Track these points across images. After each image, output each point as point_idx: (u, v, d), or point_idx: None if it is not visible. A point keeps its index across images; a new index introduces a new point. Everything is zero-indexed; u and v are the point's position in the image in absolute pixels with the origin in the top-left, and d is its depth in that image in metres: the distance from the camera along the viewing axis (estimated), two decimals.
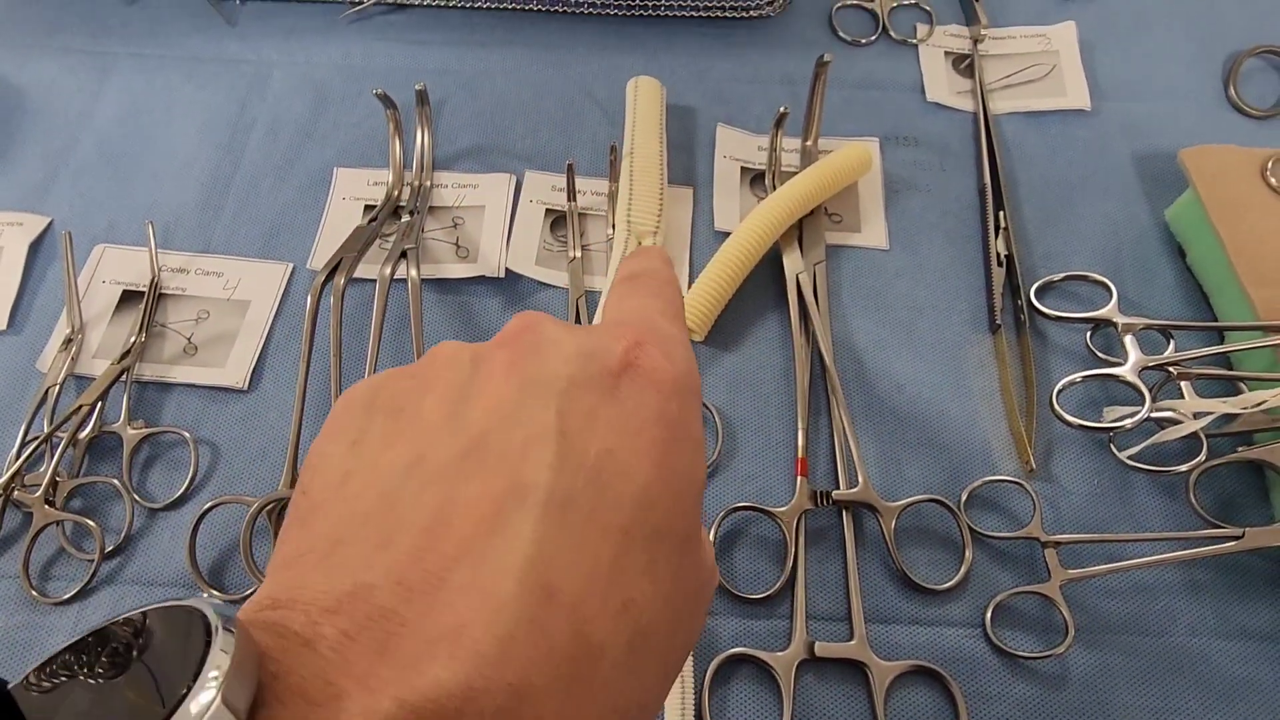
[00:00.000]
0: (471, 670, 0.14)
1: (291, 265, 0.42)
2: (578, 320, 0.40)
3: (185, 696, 0.12)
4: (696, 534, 0.19)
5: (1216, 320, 0.41)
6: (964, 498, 0.36)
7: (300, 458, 0.35)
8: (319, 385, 0.37)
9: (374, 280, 0.38)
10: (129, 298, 0.41)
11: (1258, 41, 0.50)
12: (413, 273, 0.37)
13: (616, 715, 0.16)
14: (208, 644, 0.13)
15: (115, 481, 0.36)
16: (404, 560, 0.15)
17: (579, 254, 0.42)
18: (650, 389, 0.18)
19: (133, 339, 0.39)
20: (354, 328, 0.39)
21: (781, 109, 0.44)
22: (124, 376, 0.38)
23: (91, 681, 0.13)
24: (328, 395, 0.36)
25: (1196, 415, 0.35)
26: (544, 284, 0.42)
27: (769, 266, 0.42)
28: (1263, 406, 0.35)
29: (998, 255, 0.43)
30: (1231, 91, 0.49)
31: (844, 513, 0.36)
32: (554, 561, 0.15)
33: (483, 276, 0.42)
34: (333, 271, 0.37)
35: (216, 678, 0.12)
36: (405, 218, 0.41)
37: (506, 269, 0.42)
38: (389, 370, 0.20)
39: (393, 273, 0.36)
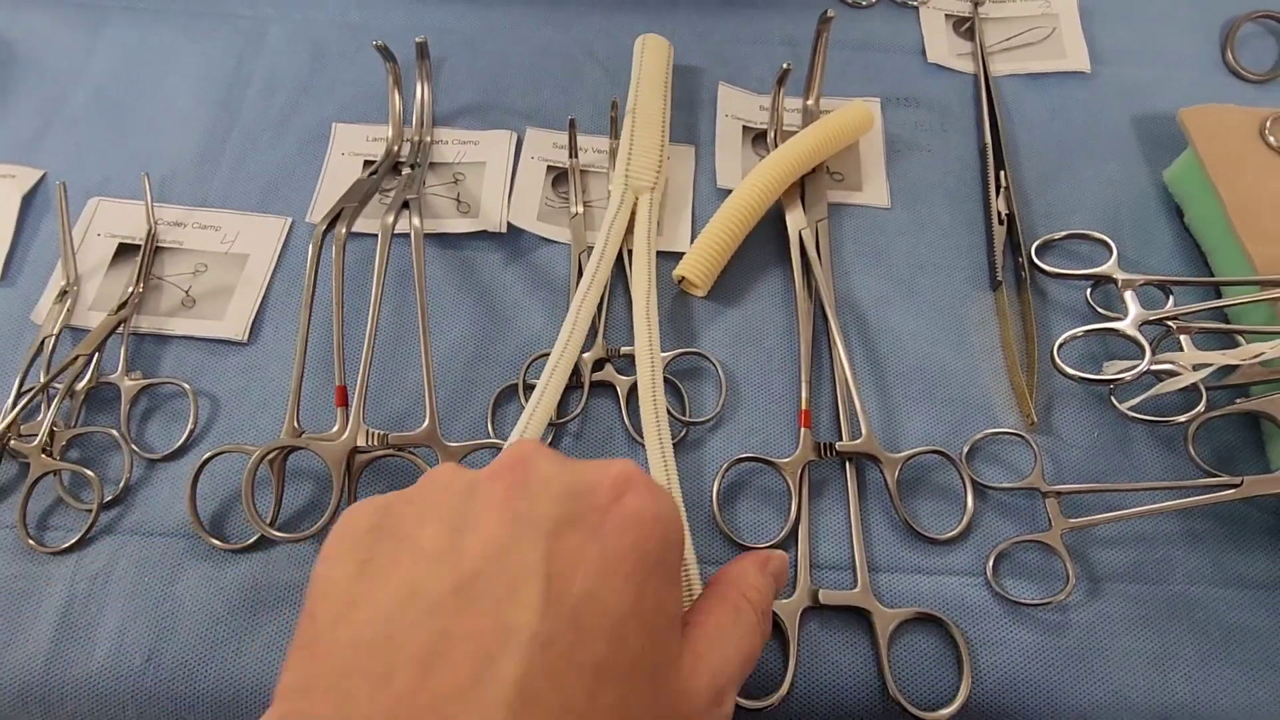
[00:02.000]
0: None
1: (290, 219, 0.42)
2: (579, 273, 0.40)
3: None
4: (673, 663, 0.21)
5: (1215, 277, 0.41)
6: (966, 450, 0.37)
7: (302, 408, 0.35)
8: (320, 336, 0.37)
9: (373, 235, 0.38)
10: (125, 251, 0.41)
11: (1254, 7, 0.50)
12: (415, 222, 0.36)
13: None
14: None
15: (114, 432, 0.35)
16: (403, 698, 0.17)
17: (581, 210, 0.42)
18: (632, 527, 0.20)
19: (130, 290, 0.39)
20: (355, 281, 0.38)
21: (784, 66, 0.44)
22: (121, 328, 0.38)
23: None
24: (329, 346, 0.35)
25: (1195, 367, 0.36)
26: (546, 239, 0.42)
27: (771, 224, 0.42)
28: (1261, 358, 0.35)
29: (998, 213, 0.43)
30: (1229, 56, 0.49)
31: (847, 464, 0.37)
32: (534, 701, 0.17)
33: (484, 231, 0.41)
34: (333, 222, 0.36)
35: None
36: (405, 172, 0.40)
37: (509, 224, 0.42)
38: (390, 495, 0.21)
39: (394, 222, 0.36)
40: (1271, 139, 0.41)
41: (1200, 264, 0.42)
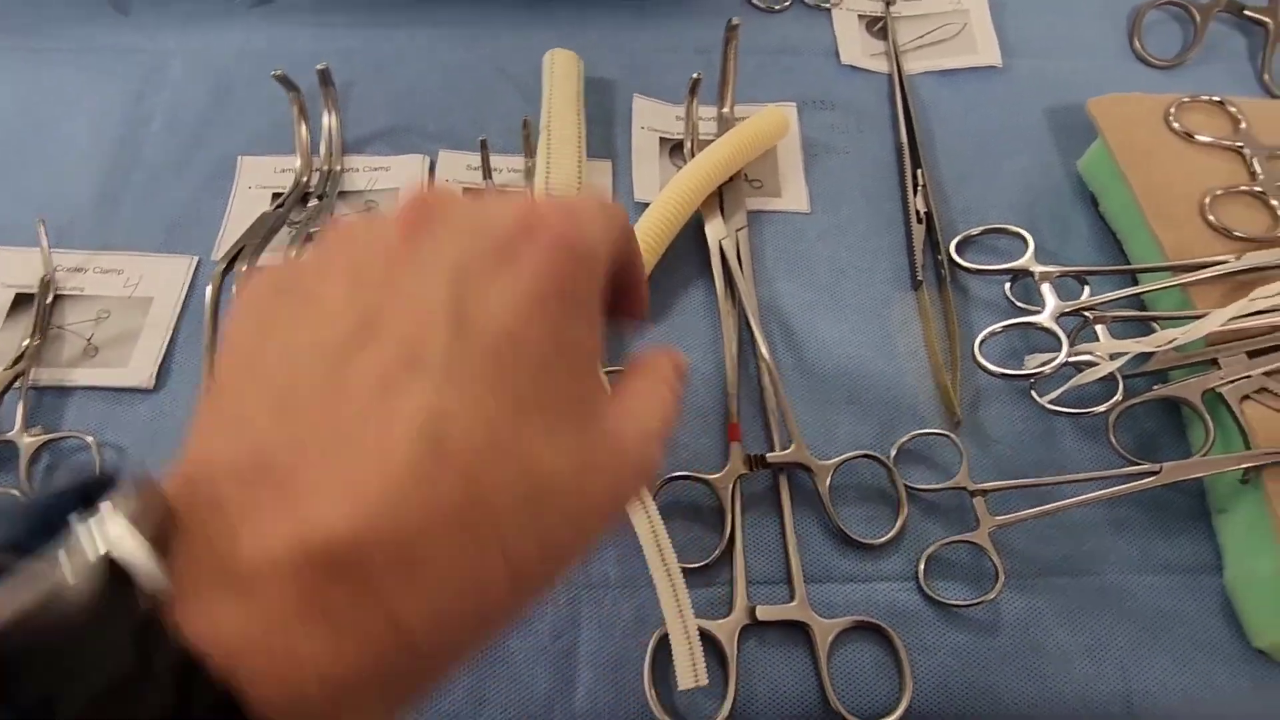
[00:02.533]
0: (362, 523, 0.15)
1: (196, 258, 0.41)
2: None
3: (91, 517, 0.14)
4: (596, 401, 0.20)
5: (1130, 265, 0.42)
6: (894, 453, 0.36)
7: None
8: None
9: None
10: (22, 301, 0.39)
11: None
12: None
13: (511, 564, 0.17)
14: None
15: (14, 492, 0.34)
16: (303, 425, 0.16)
17: None
18: (545, 262, 0.19)
19: (26, 343, 0.37)
20: None
21: (695, 75, 0.43)
22: (18, 382, 0.36)
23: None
24: None
25: (1112, 356, 0.36)
26: None
27: (691, 235, 0.42)
28: (1174, 344, 0.35)
29: (917, 213, 0.43)
30: (1136, 43, 0.50)
31: (779, 475, 0.36)
32: (446, 424, 0.16)
33: None
34: (234, 260, 0.35)
35: (121, 525, 0.14)
36: (313, 203, 0.39)
37: None
38: (291, 260, 0.21)
39: (299, 257, 0.35)
40: (1177, 124, 0.42)
41: (1117, 251, 0.43)
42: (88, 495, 0.14)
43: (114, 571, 0.13)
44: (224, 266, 0.35)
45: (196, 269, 0.40)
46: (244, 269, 0.35)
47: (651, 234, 0.39)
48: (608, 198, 0.43)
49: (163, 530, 0.14)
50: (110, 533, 0.14)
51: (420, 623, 0.15)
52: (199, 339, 0.38)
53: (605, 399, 0.20)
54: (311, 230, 0.36)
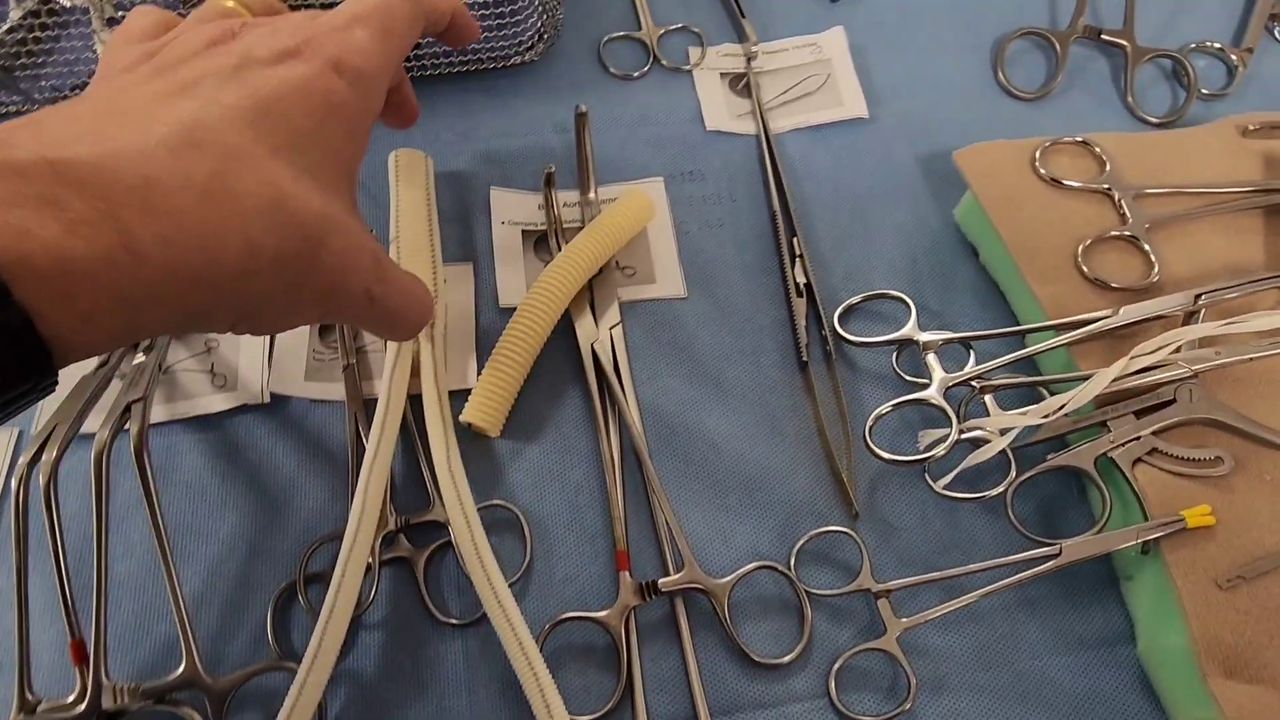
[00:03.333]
0: (108, 158, 0.20)
1: (17, 430, 0.37)
2: (358, 434, 0.36)
3: None
4: (345, 192, 0.26)
5: (1015, 318, 0.41)
6: (793, 558, 0.35)
7: (38, 670, 0.30)
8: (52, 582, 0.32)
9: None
10: None
11: (1014, 24, 0.50)
12: (134, 430, 0.31)
13: (250, 245, 0.22)
14: None
15: None
16: (80, 111, 0.22)
17: (354, 360, 0.38)
18: (310, 69, 0.25)
19: None
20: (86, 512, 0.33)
21: (547, 169, 0.41)
22: None
23: None
24: (56, 598, 0.30)
25: (1003, 431, 0.35)
26: (317, 400, 0.38)
27: (561, 337, 0.39)
28: (1063, 411, 0.34)
29: (796, 285, 0.41)
30: (1001, 77, 0.49)
31: (675, 600, 0.34)
32: (205, 129, 0.22)
33: (245, 405, 0.37)
34: (42, 447, 0.31)
35: None
36: (137, 361, 0.35)
37: (271, 393, 0.37)
38: (135, 46, 0.27)
39: (111, 439, 0.31)
40: (1042, 170, 0.41)
41: (1002, 303, 0.41)
42: None
43: None
44: (29, 458, 0.31)
45: (17, 445, 0.36)
46: (52, 455, 0.31)
47: (516, 350, 0.36)
48: (466, 305, 0.40)
49: None
50: None
51: (154, 247, 0.20)
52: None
53: (352, 196, 0.27)
54: (130, 401, 0.33)
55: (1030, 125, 0.47)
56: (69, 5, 0.42)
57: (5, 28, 0.42)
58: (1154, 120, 0.47)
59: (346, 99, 0.26)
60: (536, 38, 0.46)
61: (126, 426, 0.32)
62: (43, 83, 0.43)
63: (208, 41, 0.26)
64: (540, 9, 0.44)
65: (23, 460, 0.31)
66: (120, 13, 0.42)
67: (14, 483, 0.31)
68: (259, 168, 0.23)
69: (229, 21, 0.27)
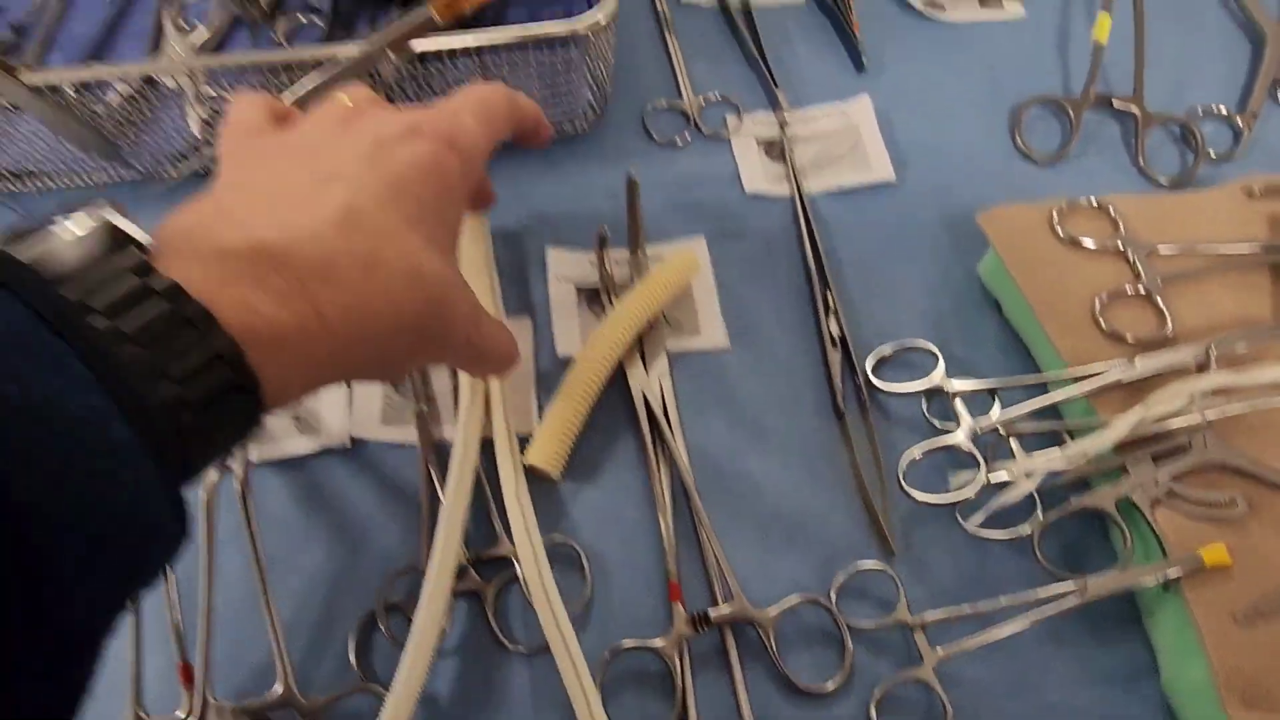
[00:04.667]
0: (296, 242, 0.24)
1: None
2: (429, 476, 0.39)
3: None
4: (452, 246, 0.30)
5: (1037, 367, 0.43)
6: (834, 593, 0.37)
7: (147, 692, 0.33)
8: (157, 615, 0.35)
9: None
10: None
11: (1029, 91, 0.54)
12: (238, 471, 0.35)
13: (394, 306, 0.26)
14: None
15: None
16: (256, 200, 0.25)
17: (425, 406, 0.42)
18: (431, 147, 0.29)
19: None
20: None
21: (600, 231, 0.44)
22: None
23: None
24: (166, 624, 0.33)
25: (1028, 474, 0.37)
26: (392, 444, 0.41)
27: (615, 386, 0.42)
28: (1084, 456, 0.37)
29: (831, 337, 0.44)
30: (1018, 141, 0.53)
31: (724, 630, 0.37)
32: (359, 211, 0.25)
33: (327, 448, 0.41)
34: None
35: (112, 211, 0.21)
36: None
37: (351, 436, 0.41)
38: (266, 137, 0.30)
39: (218, 480, 0.35)
40: (1060, 230, 0.44)
41: (1025, 353, 0.44)
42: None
43: (113, 233, 0.21)
44: None
45: None
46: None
47: (575, 399, 0.40)
48: (523, 349, 0.44)
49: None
50: (106, 215, 0.21)
51: (335, 315, 0.24)
52: None
53: (456, 257, 0.31)
54: None
55: (1047, 187, 0.51)
56: (167, 84, 0.47)
57: (107, 102, 0.47)
58: (1164, 182, 0.51)
59: (457, 174, 0.30)
60: (589, 110, 0.50)
61: (230, 465, 0.36)
62: (143, 153, 0.48)
63: (338, 125, 0.29)
64: (592, 85, 0.49)
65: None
66: (208, 88, 0.47)
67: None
68: (400, 241, 0.26)
69: (349, 107, 0.31)
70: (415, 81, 0.45)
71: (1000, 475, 0.38)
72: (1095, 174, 0.51)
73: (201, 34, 0.52)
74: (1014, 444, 0.39)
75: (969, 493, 0.37)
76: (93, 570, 0.17)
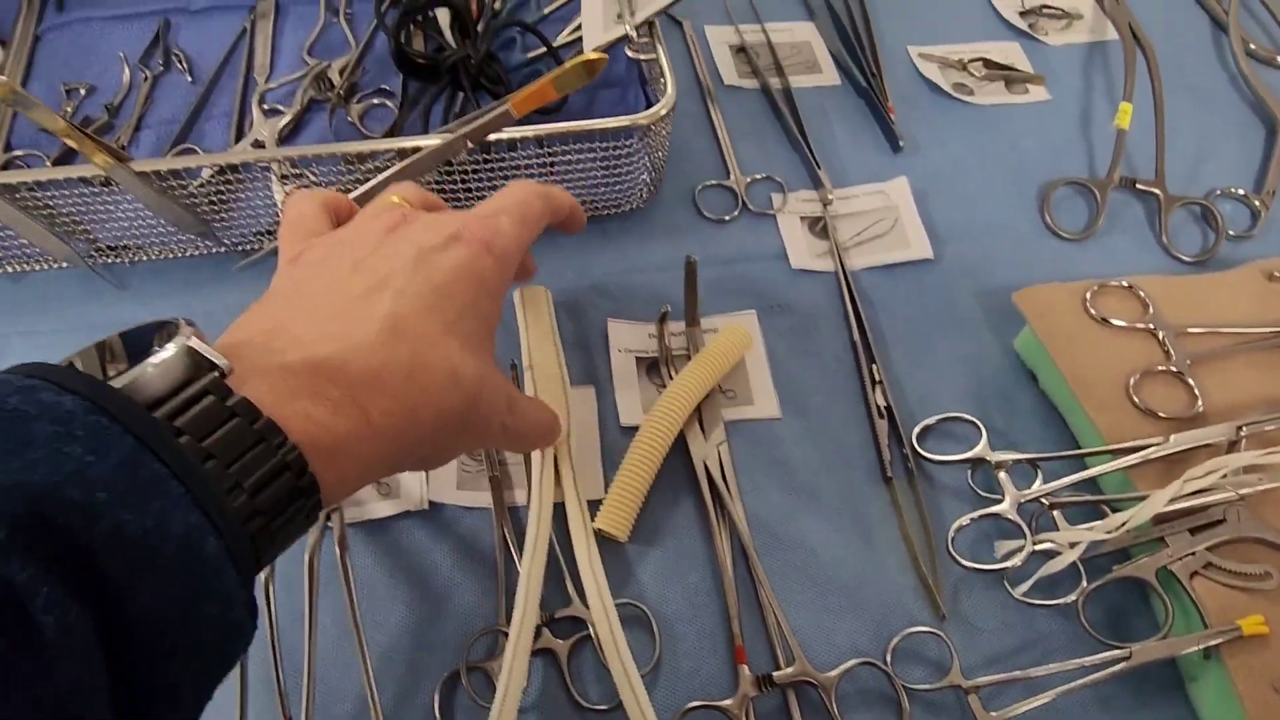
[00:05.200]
0: (346, 354, 0.26)
1: None
2: (503, 538, 0.42)
3: (168, 338, 0.23)
4: (488, 345, 0.33)
5: (1074, 438, 0.46)
6: (890, 655, 0.39)
7: None
8: (258, 663, 0.37)
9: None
10: None
11: (1055, 171, 0.58)
12: (336, 533, 0.38)
13: (434, 407, 0.28)
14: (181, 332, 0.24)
15: None
16: (310, 313, 0.28)
17: (498, 471, 0.44)
18: (470, 251, 0.31)
19: None
20: (285, 580, 0.39)
21: (663, 310, 0.48)
22: None
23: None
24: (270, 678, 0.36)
25: (1071, 544, 0.40)
26: (467, 508, 0.44)
27: (676, 451, 0.45)
28: (1125, 528, 0.39)
29: (878, 408, 0.47)
30: (1047, 219, 0.56)
31: (787, 692, 0.39)
32: (403, 319, 0.28)
33: (407, 511, 0.43)
34: None
35: (190, 334, 0.23)
36: None
37: (429, 500, 0.43)
38: (320, 239, 0.33)
39: (315, 556, 0.37)
40: (1093, 310, 0.47)
41: (1061, 425, 0.47)
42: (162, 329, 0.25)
43: (193, 357, 0.23)
44: None
45: None
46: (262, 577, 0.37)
47: (641, 468, 0.42)
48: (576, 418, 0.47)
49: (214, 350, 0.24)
50: (187, 340, 0.23)
51: (381, 419, 0.26)
52: None
53: (492, 350, 0.33)
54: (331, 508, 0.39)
55: (1075, 263, 0.54)
56: (253, 164, 0.51)
57: (197, 182, 0.50)
58: (1188, 259, 0.54)
59: (494, 274, 0.32)
60: (645, 190, 0.53)
61: (329, 525, 0.39)
62: (231, 230, 0.51)
63: (386, 229, 0.32)
64: (649, 169, 0.52)
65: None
66: (294, 169, 0.51)
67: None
68: (439, 346, 0.29)
69: (398, 211, 0.34)
70: (481, 165, 0.49)
71: (1045, 545, 0.40)
72: (1121, 251, 0.55)
73: (283, 118, 0.56)
74: (1057, 516, 0.41)
75: (1016, 561, 0.39)
76: (191, 667, 0.20)
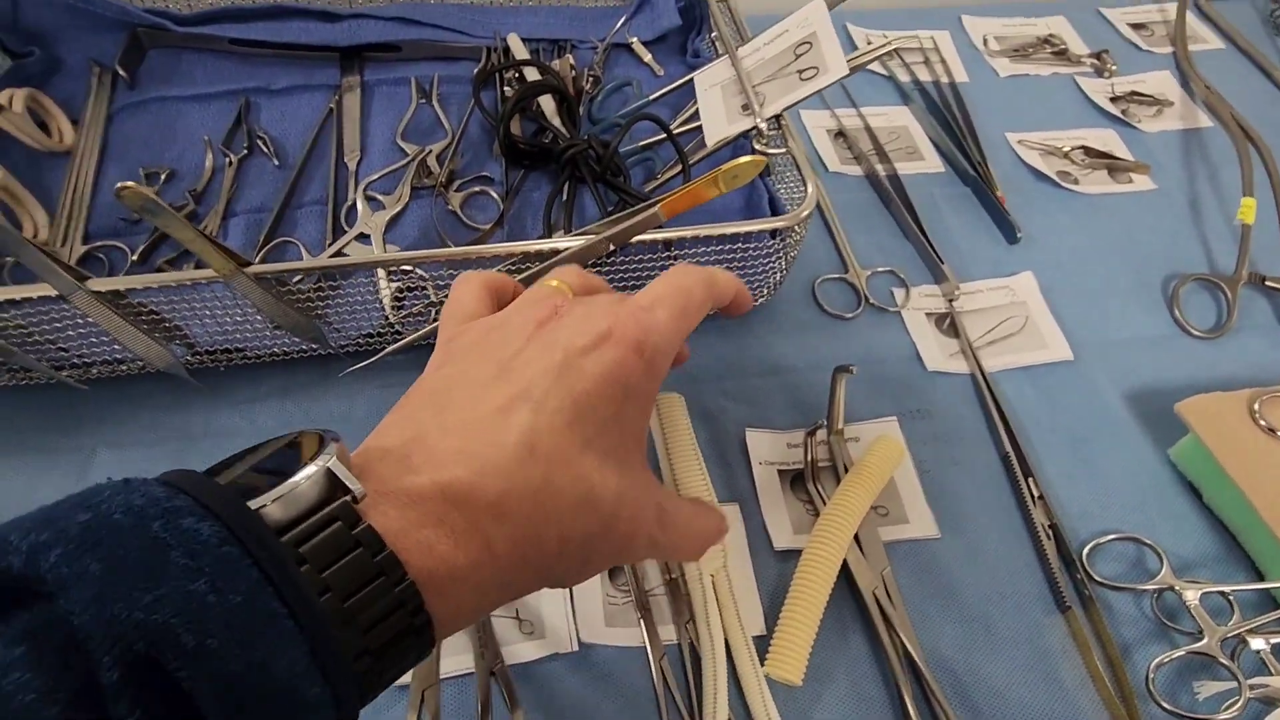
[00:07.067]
0: (477, 476, 0.24)
1: None
2: (661, 674, 0.38)
3: (313, 458, 0.22)
4: (636, 456, 0.30)
5: (1248, 556, 0.43)
6: None
7: None
8: None
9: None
10: None
11: (1173, 263, 0.56)
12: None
13: (561, 534, 0.26)
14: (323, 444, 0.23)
15: None
16: (449, 423, 0.26)
17: (647, 603, 0.41)
18: (618, 355, 0.28)
19: None
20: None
21: (817, 424, 0.45)
22: None
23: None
24: None
25: None
26: (620, 647, 0.40)
27: (839, 583, 0.42)
28: None
29: (1043, 527, 0.44)
30: (1177, 315, 0.54)
31: None
32: (537, 438, 0.26)
33: (556, 653, 0.39)
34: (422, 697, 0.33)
35: (334, 451, 0.22)
36: None
37: (580, 641, 0.39)
38: (475, 324, 0.31)
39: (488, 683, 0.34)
40: (1262, 421, 0.44)
41: (1231, 541, 0.44)
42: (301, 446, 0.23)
43: (331, 479, 0.22)
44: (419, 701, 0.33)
45: None
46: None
47: (809, 601, 0.39)
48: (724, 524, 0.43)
49: (351, 470, 0.22)
50: (328, 462, 0.22)
51: (503, 547, 0.24)
52: None
53: (642, 457, 0.30)
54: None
55: (1213, 364, 0.52)
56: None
57: (313, 285, 0.46)
58: None
59: (643, 378, 0.29)
60: (773, 289, 0.51)
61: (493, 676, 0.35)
62: (336, 329, 0.47)
63: (537, 324, 0.29)
64: (782, 268, 0.50)
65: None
66: (404, 269, 0.47)
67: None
68: (574, 466, 0.26)
69: (554, 300, 0.31)
70: (620, 261, 0.46)
71: (1260, 691, 0.37)
72: (1255, 349, 0.53)
73: (388, 210, 0.53)
74: (1265, 653, 0.38)
75: (1235, 712, 0.37)
76: None
